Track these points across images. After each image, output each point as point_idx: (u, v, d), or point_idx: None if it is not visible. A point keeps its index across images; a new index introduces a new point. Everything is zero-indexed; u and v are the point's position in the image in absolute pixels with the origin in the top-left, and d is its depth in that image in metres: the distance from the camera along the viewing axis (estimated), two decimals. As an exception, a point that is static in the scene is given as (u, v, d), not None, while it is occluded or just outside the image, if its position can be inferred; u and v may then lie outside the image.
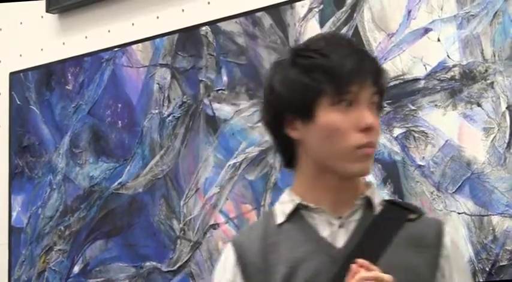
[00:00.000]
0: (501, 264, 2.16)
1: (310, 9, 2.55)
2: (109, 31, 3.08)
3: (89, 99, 3.08)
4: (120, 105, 2.99)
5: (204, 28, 2.79)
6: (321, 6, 2.53)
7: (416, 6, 2.35)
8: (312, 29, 2.52)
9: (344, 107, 1.54)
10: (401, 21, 2.37)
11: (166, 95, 2.87)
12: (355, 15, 2.46)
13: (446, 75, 2.29)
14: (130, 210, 2.92)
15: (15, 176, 3.27)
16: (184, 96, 2.82)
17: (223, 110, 2.72)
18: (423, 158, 2.30)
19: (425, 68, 2.31)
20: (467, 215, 2.21)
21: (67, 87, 3.15)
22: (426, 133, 2.30)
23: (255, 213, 2.61)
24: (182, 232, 2.78)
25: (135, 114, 2.94)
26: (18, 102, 3.28)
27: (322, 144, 1.56)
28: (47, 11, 3.23)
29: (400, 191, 2.33)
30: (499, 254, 2.16)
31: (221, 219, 2.69)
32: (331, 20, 2.50)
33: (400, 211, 1.62)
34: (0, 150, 3.31)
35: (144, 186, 2.90)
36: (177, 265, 2.79)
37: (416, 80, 2.33)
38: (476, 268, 2.19)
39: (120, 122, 2.99)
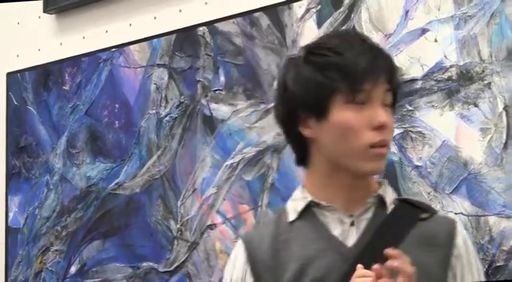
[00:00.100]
0: (498, 264, 2.15)
1: (307, 10, 2.55)
2: (106, 31, 3.07)
3: (86, 100, 3.08)
4: (117, 105, 2.99)
5: (201, 28, 2.79)
6: (319, 6, 2.53)
7: (413, 7, 2.35)
8: (309, 29, 2.52)
9: (358, 105, 1.54)
10: (398, 21, 2.37)
11: (163, 95, 2.87)
12: (352, 15, 2.46)
13: (443, 76, 2.28)
14: (127, 210, 2.92)
15: (12, 176, 3.26)
16: (182, 97, 2.82)
17: (220, 110, 2.72)
18: (420, 158, 2.30)
19: (423, 69, 2.31)
20: (464, 215, 2.21)
21: (64, 87, 3.15)
22: (423, 133, 2.30)
23: (252, 214, 2.60)
24: (179, 232, 2.78)
25: (132, 114, 2.94)
26: (16, 103, 3.28)
27: (336, 143, 1.55)
28: (44, 11, 3.22)
29: (397, 192, 2.32)
30: (495, 255, 2.16)
31: (218, 219, 2.69)
32: (328, 21, 2.50)
33: (412, 210, 1.61)
34: (-3, 150, 3.32)
35: (141, 187, 2.89)
36: (174, 265, 2.78)
37: (413, 80, 2.32)
38: (473, 268, 2.19)
39: (117, 122, 2.99)
